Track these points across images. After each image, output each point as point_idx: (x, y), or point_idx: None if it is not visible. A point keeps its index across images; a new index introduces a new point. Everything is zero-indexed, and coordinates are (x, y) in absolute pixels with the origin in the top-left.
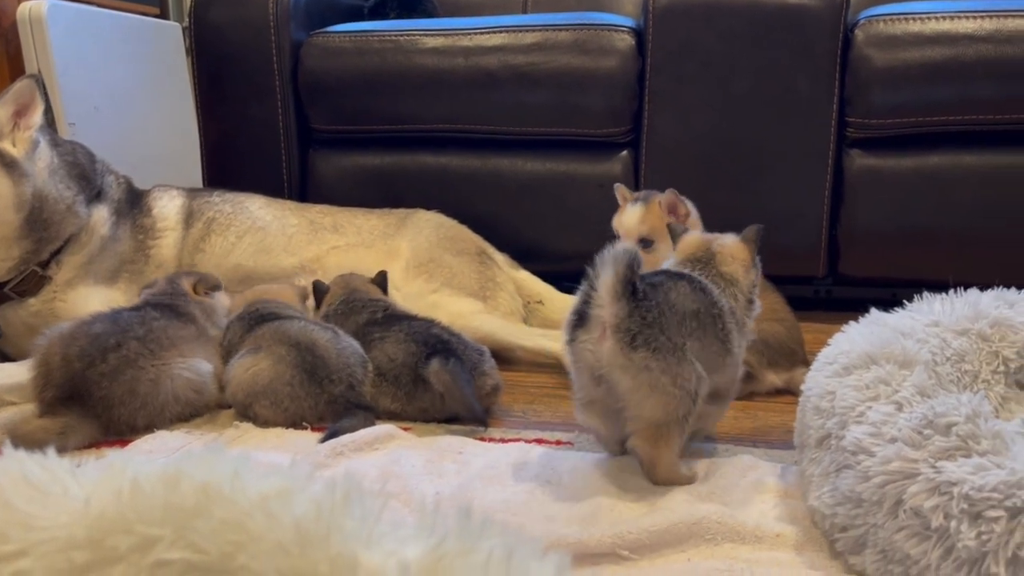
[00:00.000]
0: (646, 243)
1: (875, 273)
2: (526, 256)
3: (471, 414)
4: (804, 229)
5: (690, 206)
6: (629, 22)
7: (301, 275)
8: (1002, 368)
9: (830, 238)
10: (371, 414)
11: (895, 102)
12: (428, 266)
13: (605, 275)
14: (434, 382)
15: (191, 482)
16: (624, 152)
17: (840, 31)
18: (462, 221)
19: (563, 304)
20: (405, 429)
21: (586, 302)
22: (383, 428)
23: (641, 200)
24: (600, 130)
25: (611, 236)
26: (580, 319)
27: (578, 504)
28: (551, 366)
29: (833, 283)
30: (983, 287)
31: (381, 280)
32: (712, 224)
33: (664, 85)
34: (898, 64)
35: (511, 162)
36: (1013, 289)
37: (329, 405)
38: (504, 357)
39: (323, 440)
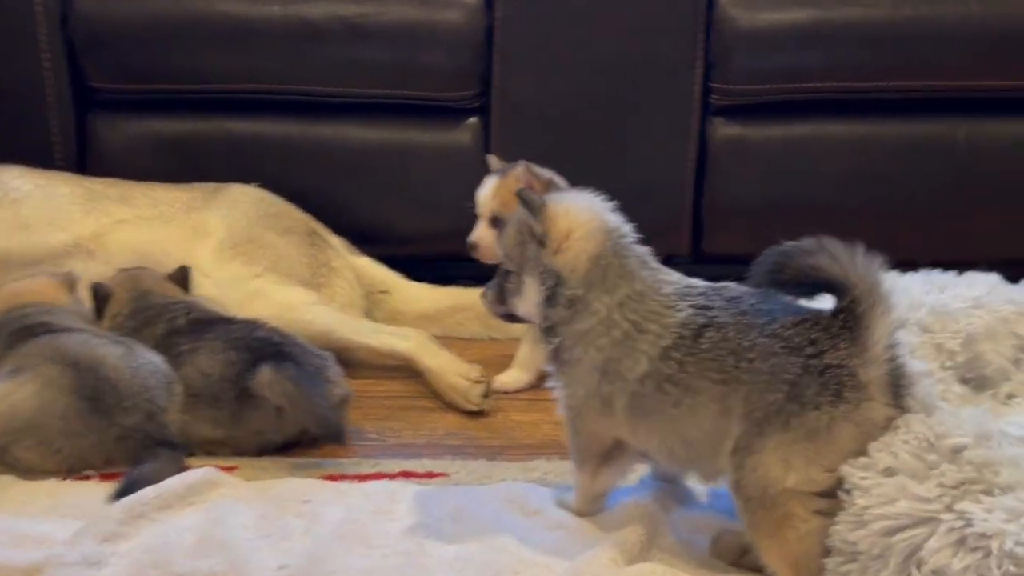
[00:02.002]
0: (499, 222)
1: (740, 250)
2: (365, 239)
3: (325, 428)
4: (666, 203)
5: (559, 180)
6: None
7: (75, 257)
8: (949, 363)
9: (694, 213)
10: (179, 453)
11: (760, 67)
12: (247, 247)
13: (883, 326)
14: (268, 395)
15: None
16: (473, 118)
17: None
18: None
19: (412, 294)
20: (228, 470)
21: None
22: (199, 473)
23: (499, 173)
24: (444, 93)
25: (468, 215)
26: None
27: (471, 568)
28: (402, 369)
29: (694, 262)
30: None
31: (181, 277)
32: None
33: (516, 43)
34: (763, 25)
35: (340, 129)
36: (938, 270)
37: (121, 443)
38: (343, 359)
39: (116, 495)
